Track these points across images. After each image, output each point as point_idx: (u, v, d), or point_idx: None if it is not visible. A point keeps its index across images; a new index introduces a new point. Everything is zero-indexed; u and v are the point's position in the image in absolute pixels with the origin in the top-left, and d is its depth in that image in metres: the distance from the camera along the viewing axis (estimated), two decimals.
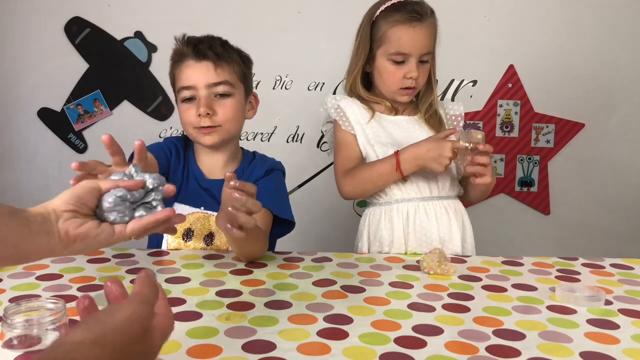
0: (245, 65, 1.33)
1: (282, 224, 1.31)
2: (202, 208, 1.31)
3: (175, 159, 1.34)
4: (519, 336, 0.85)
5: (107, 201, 0.72)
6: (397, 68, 1.39)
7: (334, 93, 2.37)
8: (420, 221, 1.41)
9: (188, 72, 1.27)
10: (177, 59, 1.30)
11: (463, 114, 1.53)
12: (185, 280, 1.06)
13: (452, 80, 2.39)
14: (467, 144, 1.27)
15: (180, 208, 1.31)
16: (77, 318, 0.86)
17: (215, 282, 1.05)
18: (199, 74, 1.26)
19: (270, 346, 0.79)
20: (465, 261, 1.25)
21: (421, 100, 1.48)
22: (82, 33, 2.39)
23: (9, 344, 0.77)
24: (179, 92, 1.30)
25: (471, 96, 2.39)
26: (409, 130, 1.45)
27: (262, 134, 2.43)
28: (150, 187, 0.75)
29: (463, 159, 1.30)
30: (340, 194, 1.46)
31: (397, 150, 1.36)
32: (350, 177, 1.41)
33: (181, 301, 0.95)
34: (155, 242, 1.34)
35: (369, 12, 1.44)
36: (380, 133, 1.43)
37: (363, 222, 1.49)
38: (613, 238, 2.47)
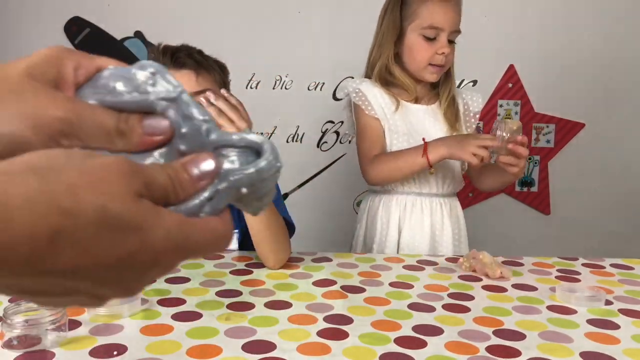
0: (224, 74, 1.29)
1: None
2: None
3: None
4: (519, 336, 0.85)
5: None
6: (429, 44, 1.40)
7: (334, 93, 2.37)
8: (415, 214, 1.45)
9: None
10: None
11: (480, 109, 1.56)
12: (185, 280, 1.06)
13: None
14: (504, 134, 1.27)
15: None
16: (77, 318, 0.86)
17: (215, 282, 1.05)
18: None
19: (270, 346, 0.79)
20: None
21: (441, 87, 1.50)
22: (82, 33, 2.39)
23: (9, 344, 0.77)
24: None
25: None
26: (424, 120, 1.47)
27: (262, 134, 2.43)
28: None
29: (500, 148, 1.29)
30: (366, 180, 1.48)
31: (425, 140, 1.38)
32: (377, 164, 1.42)
33: (181, 301, 0.95)
34: None
35: None
36: (400, 123, 1.45)
37: (363, 208, 1.55)
38: (613, 238, 2.47)
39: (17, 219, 0.25)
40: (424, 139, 1.38)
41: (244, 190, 0.34)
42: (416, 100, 1.48)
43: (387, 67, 1.45)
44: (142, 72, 0.34)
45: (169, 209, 0.31)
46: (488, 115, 2.42)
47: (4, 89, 0.29)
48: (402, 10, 1.43)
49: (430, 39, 1.40)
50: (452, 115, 1.47)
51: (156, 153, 0.35)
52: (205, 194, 0.33)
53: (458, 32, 1.43)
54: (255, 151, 0.35)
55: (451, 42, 1.42)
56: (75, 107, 0.31)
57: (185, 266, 1.15)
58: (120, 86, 0.34)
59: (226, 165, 0.34)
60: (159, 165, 0.32)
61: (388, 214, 1.46)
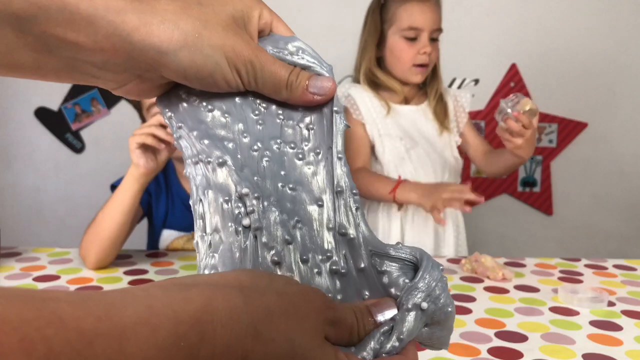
0: None
1: None
2: (192, 232, 1.27)
3: (155, 186, 1.28)
4: (521, 338, 0.84)
5: None
6: (410, 45, 1.40)
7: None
8: (417, 215, 1.44)
9: None
10: None
11: (469, 103, 1.55)
12: None
13: (454, 79, 2.38)
14: (508, 110, 1.24)
15: (167, 234, 1.28)
16: None
17: None
18: None
19: None
20: None
21: (429, 85, 1.49)
22: None
23: None
24: (151, 107, 1.22)
25: (473, 95, 2.37)
26: (415, 120, 1.47)
27: None
28: None
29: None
30: None
31: (400, 179, 1.36)
32: (356, 180, 1.41)
33: None
34: (152, 242, 1.33)
35: None
36: (392, 126, 1.45)
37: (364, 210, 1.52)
38: (616, 239, 2.46)
39: (219, 336, 0.25)
40: (399, 177, 1.37)
41: (425, 305, 0.33)
42: (406, 101, 1.48)
43: (371, 70, 1.46)
44: (325, 63, 0.39)
45: (350, 351, 0.31)
46: (490, 114, 2.41)
47: (215, 22, 0.35)
48: (382, 14, 1.43)
49: (411, 40, 1.39)
50: (441, 112, 1.48)
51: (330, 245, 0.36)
52: (385, 328, 0.32)
53: (439, 30, 1.43)
54: (411, 263, 0.35)
55: (434, 40, 1.42)
56: (261, 55, 0.37)
57: (184, 267, 1.14)
58: (303, 53, 0.38)
59: (394, 290, 0.34)
60: (347, 305, 0.33)
61: (389, 216, 1.45)
